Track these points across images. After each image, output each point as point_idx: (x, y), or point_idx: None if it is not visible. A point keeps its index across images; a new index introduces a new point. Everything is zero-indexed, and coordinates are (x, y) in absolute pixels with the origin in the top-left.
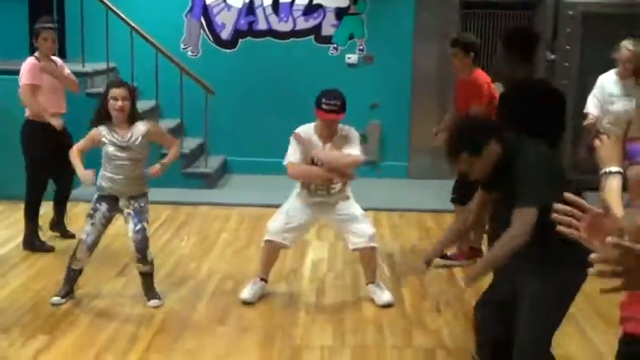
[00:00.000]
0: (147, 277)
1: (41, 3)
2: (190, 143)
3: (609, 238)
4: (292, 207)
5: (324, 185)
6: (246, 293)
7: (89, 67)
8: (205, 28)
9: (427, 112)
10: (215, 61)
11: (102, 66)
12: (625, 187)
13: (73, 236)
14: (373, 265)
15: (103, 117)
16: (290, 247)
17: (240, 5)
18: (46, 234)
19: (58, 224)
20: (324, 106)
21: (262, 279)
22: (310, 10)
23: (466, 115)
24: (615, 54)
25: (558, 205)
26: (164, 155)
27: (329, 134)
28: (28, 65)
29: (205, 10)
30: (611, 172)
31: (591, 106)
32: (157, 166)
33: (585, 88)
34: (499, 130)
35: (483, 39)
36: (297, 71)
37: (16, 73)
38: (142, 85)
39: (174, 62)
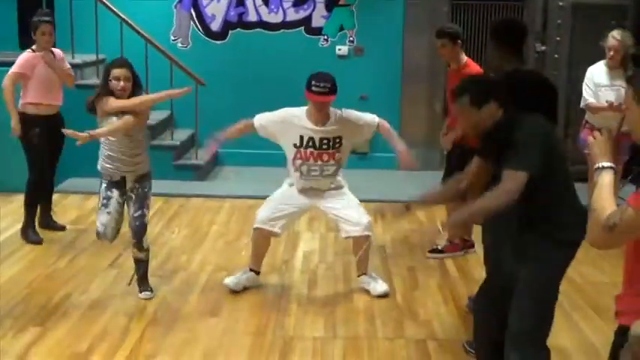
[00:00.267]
0: (141, 266)
1: None
2: (181, 135)
3: None
4: (283, 195)
5: (317, 166)
6: (230, 279)
7: (79, 59)
8: (195, 19)
9: (417, 104)
10: (205, 52)
11: (92, 57)
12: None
13: (63, 228)
14: (366, 255)
15: (104, 94)
16: (280, 234)
17: None
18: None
19: (46, 218)
20: (313, 88)
21: (252, 269)
22: (300, 1)
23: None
24: (603, 43)
25: None
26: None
27: (320, 117)
28: (20, 56)
29: (195, 2)
30: (603, 168)
31: (587, 95)
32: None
33: (576, 79)
34: (506, 99)
35: (473, 31)
36: (288, 63)
37: (7, 65)
38: None
39: (164, 54)
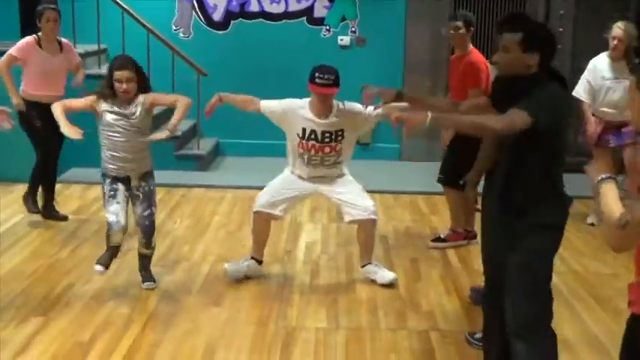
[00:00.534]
0: (145, 260)
1: None
2: (183, 125)
3: None
4: (284, 180)
5: (318, 157)
6: (229, 264)
7: (80, 49)
8: (197, 9)
9: (419, 94)
10: (207, 42)
11: (93, 47)
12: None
13: (65, 218)
14: (371, 241)
15: (107, 93)
16: (281, 216)
17: None
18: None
19: (48, 208)
20: (317, 80)
21: (253, 257)
22: None
23: (464, 94)
24: (607, 34)
25: None
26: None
27: (323, 110)
28: (22, 41)
29: None
30: (603, 179)
31: (581, 90)
32: (164, 132)
33: (579, 70)
34: (548, 62)
35: (476, 23)
36: (290, 53)
37: None
38: None
39: (165, 44)
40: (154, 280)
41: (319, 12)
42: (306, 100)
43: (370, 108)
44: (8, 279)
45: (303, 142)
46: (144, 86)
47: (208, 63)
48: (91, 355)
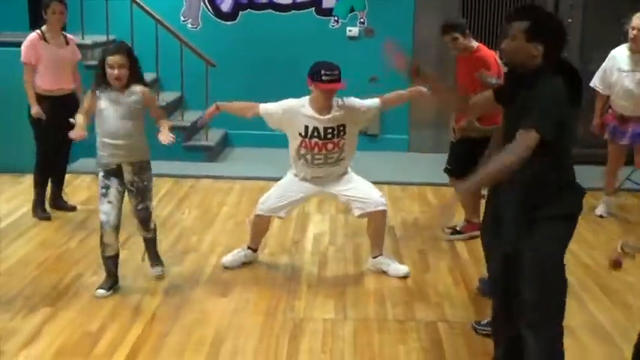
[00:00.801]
0: (149, 243)
1: None
2: (191, 116)
3: None
4: (288, 183)
5: (321, 155)
6: (227, 258)
7: (89, 40)
8: (205, 0)
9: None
10: (215, 33)
11: (102, 38)
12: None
13: (74, 208)
14: (382, 233)
15: (101, 83)
16: (284, 217)
17: None
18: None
19: (57, 199)
20: (324, 77)
21: (250, 248)
22: None
23: (472, 89)
24: (627, 25)
25: None
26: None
27: (325, 106)
28: (26, 41)
29: None
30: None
31: (597, 81)
32: (164, 132)
33: (588, 61)
34: (554, 54)
35: (484, 14)
36: (298, 44)
37: (16, 45)
38: (141, 57)
39: (174, 35)
40: (162, 264)
41: (328, 3)
42: (306, 99)
43: (367, 101)
44: (17, 269)
45: (306, 140)
46: (136, 75)
47: (217, 54)
48: (100, 345)
